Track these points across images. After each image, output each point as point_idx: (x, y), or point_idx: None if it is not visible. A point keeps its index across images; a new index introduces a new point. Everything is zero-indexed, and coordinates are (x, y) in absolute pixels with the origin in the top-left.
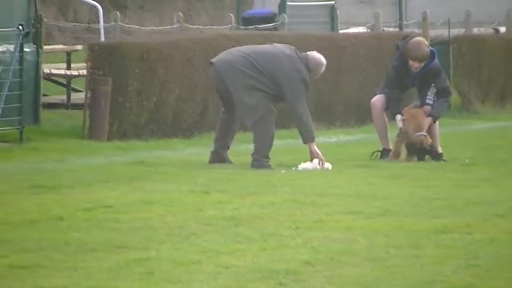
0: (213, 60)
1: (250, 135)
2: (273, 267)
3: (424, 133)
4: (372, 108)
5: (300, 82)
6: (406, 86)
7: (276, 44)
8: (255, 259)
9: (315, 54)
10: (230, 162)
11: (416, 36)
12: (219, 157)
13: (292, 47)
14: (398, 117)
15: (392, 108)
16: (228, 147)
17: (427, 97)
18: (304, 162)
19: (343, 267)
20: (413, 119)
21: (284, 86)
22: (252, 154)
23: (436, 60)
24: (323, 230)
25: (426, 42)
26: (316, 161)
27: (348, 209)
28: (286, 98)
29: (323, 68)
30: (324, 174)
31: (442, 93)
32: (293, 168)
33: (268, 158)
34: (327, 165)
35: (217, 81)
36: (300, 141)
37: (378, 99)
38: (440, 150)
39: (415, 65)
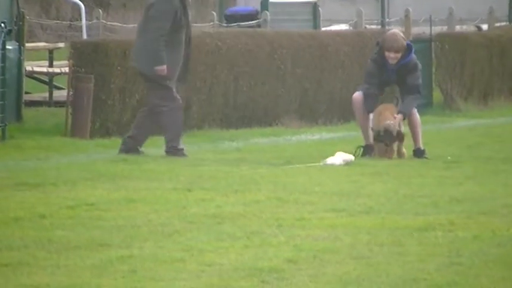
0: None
1: (232, 132)
2: (256, 265)
3: (391, 121)
4: (353, 104)
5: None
6: (384, 81)
7: None
8: (238, 257)
9: None
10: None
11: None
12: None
13: None
14: (371, 116)
15: (366, 105)
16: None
17: None
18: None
19: (326, 265)
20: (380, 115)
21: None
22: (167, 143)
23: (414, 56)
24: (306, 228)
25: (402, 35)
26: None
27: (330, 207)
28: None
29: None
30: (307, 171)
31: (413, 90)
32: (321, 163)
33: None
34: (350, 156)
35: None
36: None
37: (359, 95)
38: (422, 147)
39: (391, 56)
